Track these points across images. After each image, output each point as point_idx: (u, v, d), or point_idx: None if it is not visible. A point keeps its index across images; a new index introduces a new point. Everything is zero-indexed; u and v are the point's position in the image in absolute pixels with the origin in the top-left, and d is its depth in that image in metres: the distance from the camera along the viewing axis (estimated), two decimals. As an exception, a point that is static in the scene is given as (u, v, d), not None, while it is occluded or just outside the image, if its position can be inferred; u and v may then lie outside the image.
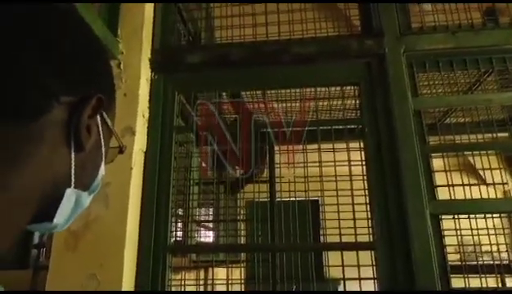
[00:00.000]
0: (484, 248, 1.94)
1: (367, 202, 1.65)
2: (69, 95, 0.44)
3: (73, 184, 0.47)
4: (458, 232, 1.60)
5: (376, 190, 1.60)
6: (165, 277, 1.63)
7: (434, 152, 1.63)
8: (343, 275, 1.62)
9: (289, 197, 2.12)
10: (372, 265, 1.61)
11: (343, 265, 1.62)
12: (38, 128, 0.41)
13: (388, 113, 1.63)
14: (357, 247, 1.63)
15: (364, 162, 1.67)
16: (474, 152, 1.72)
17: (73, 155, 0.46)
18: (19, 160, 0.40)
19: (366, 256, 1.64)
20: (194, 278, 2.70)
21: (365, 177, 1.66)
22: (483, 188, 1.69)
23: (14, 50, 0.40)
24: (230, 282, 2.01)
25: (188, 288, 2.11)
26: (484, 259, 1.75)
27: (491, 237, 1.92)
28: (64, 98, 0.43)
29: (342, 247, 1.63)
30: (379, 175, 1.61)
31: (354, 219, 1.65)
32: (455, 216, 1.61)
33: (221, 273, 2.95)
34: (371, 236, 1.62)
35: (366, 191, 1.65)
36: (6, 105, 0.39)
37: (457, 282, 1.59)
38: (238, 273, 3.02)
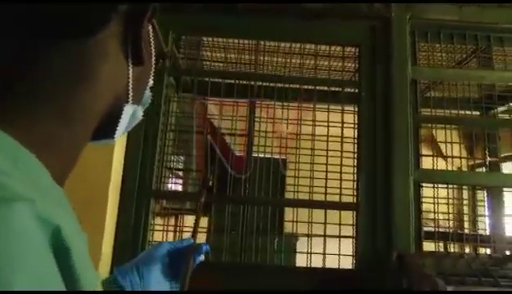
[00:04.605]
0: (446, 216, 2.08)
1: (355, 164, 1.68)
2: (126, 3, 0.42)
3: (130, 99, 0.46)
4: (436, 200, 1.68)
5: (366, 154, 1.63)
6: (148, 221, 1.60)
7: (425, 122, 1.68)
8: (309, 231, 1.67)
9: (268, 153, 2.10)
10: (353, 225, 1.66)
11: (325, 223, 1.67)
12: (101, 42, 0.40)
13: (387, 78, 1.64)
14: (340, 206, 1.68)
15: (356, 126, 1.68)
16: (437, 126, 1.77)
17: (131, 69, 0.45)
18: (87, 75, 0.40)
19: (335, 216, 1.70)
20: (162, 223, 2.69)
21: (355, 140, 1.68)
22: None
23: None
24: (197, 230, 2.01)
25: (157, 234, 2.11)
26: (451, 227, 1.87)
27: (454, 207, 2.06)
28: (121, 7, 0.41)
29: (326, 205, 1.67)
30: (370, 139, 1.63)
31: (341, 179, 1.68)
32: (435, 186, 1.69)
33: (190, 221, 2.97)
34: (355, 197, 1.67)
35: (355, 154, 1.69)
36: (69, 21, 0.38)
37: (427, 246, 1.71)
38: (205, 222, 3.04)
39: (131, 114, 0.48)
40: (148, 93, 0.52)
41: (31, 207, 0.28)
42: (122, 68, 0.44)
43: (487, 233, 2.01)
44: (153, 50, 0.50)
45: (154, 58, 0.51)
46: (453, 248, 1.78)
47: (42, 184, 0.34)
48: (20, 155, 0.33)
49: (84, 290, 0.31)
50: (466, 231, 2.14)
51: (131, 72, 0.45)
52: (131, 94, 0.46)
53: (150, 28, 0.48)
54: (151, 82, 0.52)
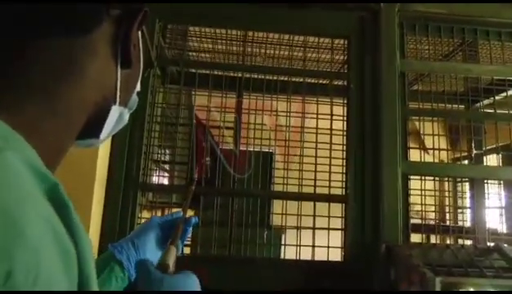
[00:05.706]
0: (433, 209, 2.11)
1: (344, 157, 1.68)
2: (118, 7, 0.44)
3: (118, 101, 0.47)
4: (423, 192, 1.70)
5: (355, 146, 1.63)
6: (134, 214, 1.57)
7: (413, 115, 1.68)
8: (299, 224, 1.67)
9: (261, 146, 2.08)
10: (341, 217, 1.66)
11: (314, 215, 1.66)
12: (91, 41, 0.42)
13: (375, 70, 1.63)
14: (329, 199, 1.68)
15: (345, 118, 1.68)
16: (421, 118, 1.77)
17: (119, 71, 0.46)
18: (75, 72, 0.41)
19: (324, 208, 1.69)
20: (148, 217, 2.65)
21: (344, 133, 1.68)
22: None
23: None
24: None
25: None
26: (435, 218, 1.89)
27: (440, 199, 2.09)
28: (113, 11, 0.43)
29: (315, 198, 1.67)
30: (359, 132, 1.64)
31: (330, 172, 1.68)
32: (422, 178, 1.70)
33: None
34: (343, 190, 1.67)
35: (344, 146, 1.68)
36: (60, 19, 0.39)
37: (415, 238, 1.73)
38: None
39: (117, 116, 0.49)
40: (135, 97, 0.54)
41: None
42: (110, 69, 0.45)
43: (470, 225, 2.05)
44: (141, 55, 0.52)
45: (142, 63, 0.53)
46: (436, 240, 1.81)
47: (32, 160, 0.35)
48: (10, 136, 0.33)
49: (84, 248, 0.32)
50: (450, 223, 2.18)
51: (119, 73, 0.46)
52: (118, 95, 0.47)
53: (139, 34, 0.50)
54: (139, 87, 0.54)
